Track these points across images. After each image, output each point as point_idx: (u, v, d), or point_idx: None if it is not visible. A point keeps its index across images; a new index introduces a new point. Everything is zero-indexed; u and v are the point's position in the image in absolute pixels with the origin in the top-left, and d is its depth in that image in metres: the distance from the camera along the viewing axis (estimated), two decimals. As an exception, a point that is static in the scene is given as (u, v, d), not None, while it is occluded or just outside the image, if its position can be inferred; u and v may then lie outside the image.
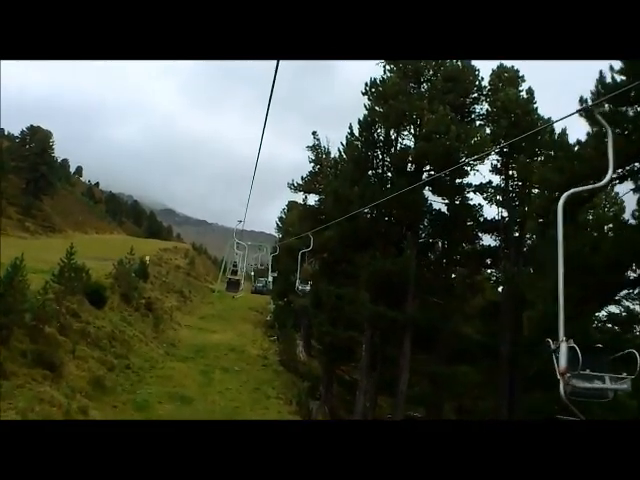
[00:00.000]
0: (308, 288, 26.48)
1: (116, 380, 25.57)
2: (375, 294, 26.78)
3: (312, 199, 41.07)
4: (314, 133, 39.36)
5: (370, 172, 27.97)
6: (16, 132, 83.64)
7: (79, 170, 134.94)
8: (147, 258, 59.08)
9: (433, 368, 25.30)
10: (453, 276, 28.61)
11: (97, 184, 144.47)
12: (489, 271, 32.15)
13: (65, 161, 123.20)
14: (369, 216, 27.81)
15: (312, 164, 39.68)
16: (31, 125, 78.31)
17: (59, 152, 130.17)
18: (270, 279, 57.12)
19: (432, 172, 26.57)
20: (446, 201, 27.87)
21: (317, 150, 39.31)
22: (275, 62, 6.23)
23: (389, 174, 27.76)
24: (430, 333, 25.96)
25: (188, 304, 56.21)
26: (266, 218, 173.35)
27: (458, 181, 27.45)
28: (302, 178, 40.61)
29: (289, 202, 59.84)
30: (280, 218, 62.33)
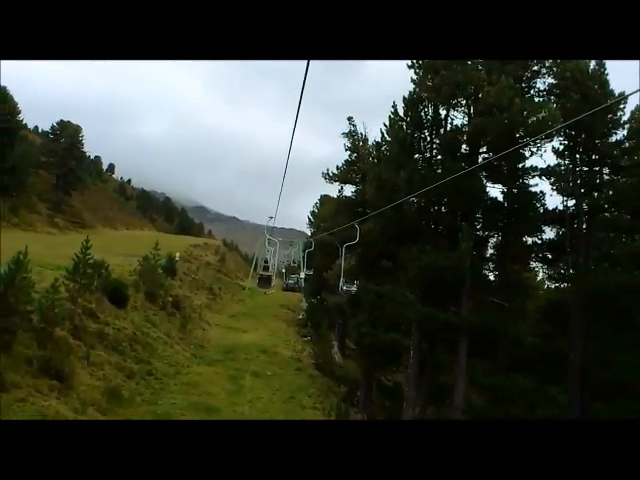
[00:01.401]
0: (354, 289, 23.00)
1: (135, 389, 22.55)
2: (424, 293, 23.23)
3: (348, 190, 37.60)
4: (350, 119, 35.90)
5: (417, 156, 24.37)
6: (46, 128, 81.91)
7: (111, 167, 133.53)
8: (177, 254, 57.46)
9: (493, 378, 21.62)
10: (514, 272, 24.67)
11: (129, 181, 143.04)
12: (535, 266, 28.03)
13: (97, 158, 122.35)
14: (417, 205, 24.21)
15: (348, 152, 36.19)
16: (61, 120, 76.42)
17: (91, 150, 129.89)
18: (302, 276, 54.78)
19: (489, 155, 22.90)
20: (504, 188, 24.10)
21: (353, 137, 35.82)
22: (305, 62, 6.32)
23: (439, 157, 24.07)
24: (488, 338, 22.33)
25: (218, 302, 53.60)
26: (296, 214, 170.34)
27: (519, 165, 23.60)
28: (337, 168, 37.20)
29: (322, 196, 57.79)
30: (312, 213, 59.62)
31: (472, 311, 22.41)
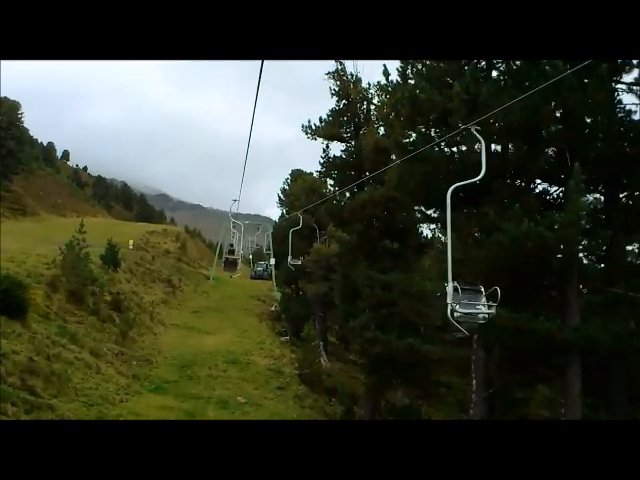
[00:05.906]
0: (491, 310, 9.47)
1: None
2: (496, 283, 13.21)
3: (336, 149, 27.32)
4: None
5: (467, 68, 14.19)
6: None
7: (66, 154, 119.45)
8: (130, 242, 47.96)
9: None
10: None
11: (85, 168, 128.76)
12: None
13: (50, 144, 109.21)
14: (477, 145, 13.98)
15: (335, 98, 25.74)
16: (-5, 96, 63.55)
17: (44, 136, 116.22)
18: (272, 262, 45.67)
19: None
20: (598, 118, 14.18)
21: (341, 77, 25.41)
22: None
23: (505, 66, 13.91)
24: (603, 357, 12.57)
25: (177, 295, 42.98)
26: (260, 200, 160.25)
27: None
28: (320, 120, 26.75)
29: (293, 171, 48.40)
30: (283, 190, 49.37)
31: (583, 315, 12.49)
